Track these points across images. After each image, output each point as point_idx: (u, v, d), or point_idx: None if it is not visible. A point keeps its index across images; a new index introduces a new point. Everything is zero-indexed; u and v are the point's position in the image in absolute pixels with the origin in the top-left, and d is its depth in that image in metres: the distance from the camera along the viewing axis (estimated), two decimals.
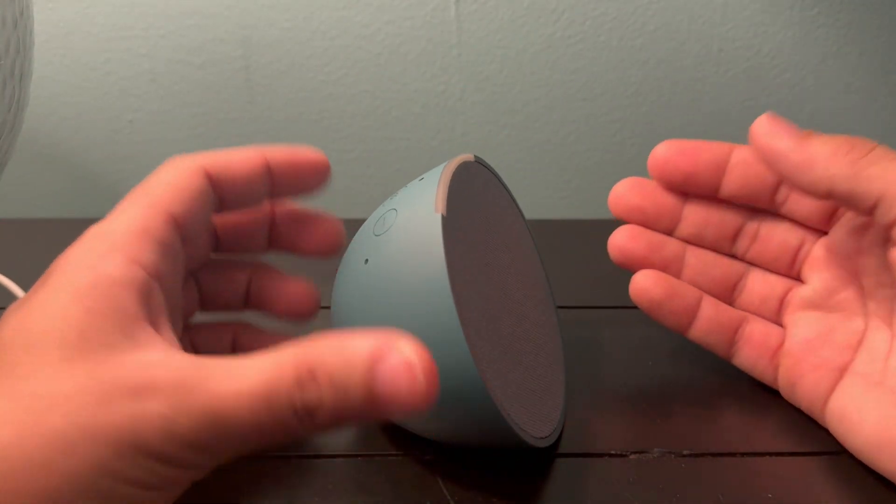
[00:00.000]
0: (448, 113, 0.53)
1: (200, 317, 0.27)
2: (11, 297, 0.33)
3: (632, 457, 0.26)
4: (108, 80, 0.51)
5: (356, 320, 0.24)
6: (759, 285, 0.29)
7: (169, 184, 0.22)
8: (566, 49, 0.51)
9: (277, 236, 0.27)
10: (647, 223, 0.29)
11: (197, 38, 0.50)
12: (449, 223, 0.23)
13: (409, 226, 0.23)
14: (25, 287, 0.34)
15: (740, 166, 0.28)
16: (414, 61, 0.51)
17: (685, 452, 0.26)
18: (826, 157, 0.24)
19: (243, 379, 0.18)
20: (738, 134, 0.54)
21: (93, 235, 0.21)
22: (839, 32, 0.51)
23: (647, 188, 0.30)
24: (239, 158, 0.24)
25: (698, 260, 0.30)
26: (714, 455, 0.26)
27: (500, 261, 0.26)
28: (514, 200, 0.30)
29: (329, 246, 0.27)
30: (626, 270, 0.37)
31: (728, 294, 0.30)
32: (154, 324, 0.20)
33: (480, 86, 0.52)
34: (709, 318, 0.29)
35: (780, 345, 0.29)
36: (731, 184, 0.28)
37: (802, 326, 0.28)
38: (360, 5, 0.49)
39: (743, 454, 0.26)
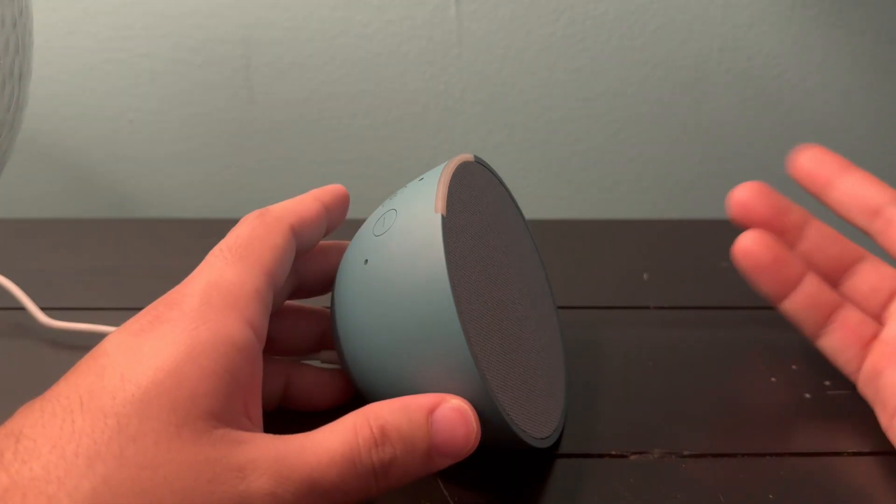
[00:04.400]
0: (448, 113, 0.53)
1: None
2: (11, 298, 0.33)
3: (632, 457, 0.26)
4: (108, 80, 0.51)
5: (356, 321, 0.24)
6: (873, 274, 0.29)
7: (265, 242, 0.23)
8: (566, 49, 0.51)
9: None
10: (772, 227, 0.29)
11: (197, 37, 0.50)
12: (449, 223, 0.23)
13: (410, 226, 0.23)
14: (25, 287, 0.33)
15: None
16: (414, 61, 0.51)
17: (685, 452, 0.26)
18: None
19: (330, 447, 0.19)
20: (738, 133, 0.54)
21: (208, 284, 0.21)
22: (839, 32, 0.51)
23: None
24: (309, 209, 0.25)
25: (819, 234, 0.29)
26: (714, 455, 0.26)
27: (500, 261, 0.26)
28: (513, 200, 0.30)
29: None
30: (625, 271, 0.37)
31: (839, 274, 0.29)
32: (253, 393, 0.20)
33: (480, 86, 0.52)
34: (808, 294, 0.29)
35: (873, 336, 0.28)
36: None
37: None
38: (360, 5, 0.49)
39: (743, 455, 0.26)
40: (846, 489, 0.25)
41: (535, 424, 0.24)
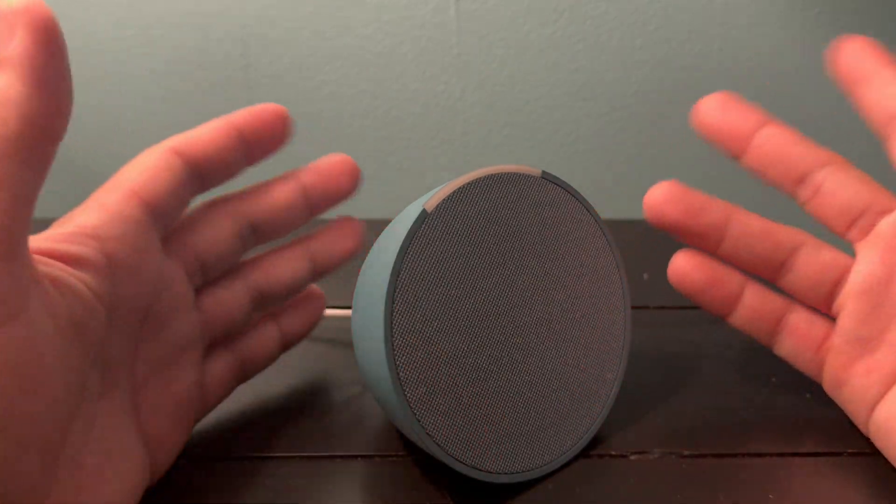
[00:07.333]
0: (448, 113, 0.53)
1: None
2: None
3: (632, 457, 0.26)
4: (108, 81, 0.51)
5: (354, 308, 0.24)
6: (811, 266, 0.26)
7: (138, 169, 0.23)
8: (566, 49, 0.51)
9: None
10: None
11: (197, 38, 0.50)
12: (433, 222, 0.22)
13: (397, 219, 0.23)
14: None
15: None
16: (414, 61, 0.51)
17: (685, 452, 0.26)
18: None
19: None
20: None
21: (65, 219, 0.23)
22: (839, 32, 0.51)
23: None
24: (205, 130, 0.25)
25: (743, 231, 0.26)
26: (714, 455, 0.26)
27: (510, 284, 0.23)
28: (599, 226, 0.26)
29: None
30: (625, 271, 0.36)
31: (774, 273, 0.27)
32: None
33: (480, 86, 0.52)
34: (752, 307, 0.27)
35: (825, 337, 0.26)
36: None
37: (853, 320, 0.25)
38: (360, 5, 0.49)
39: (743, 455, 0.26)
40: (846, 489, 0.25)
41: (487, 454, 0.23)
